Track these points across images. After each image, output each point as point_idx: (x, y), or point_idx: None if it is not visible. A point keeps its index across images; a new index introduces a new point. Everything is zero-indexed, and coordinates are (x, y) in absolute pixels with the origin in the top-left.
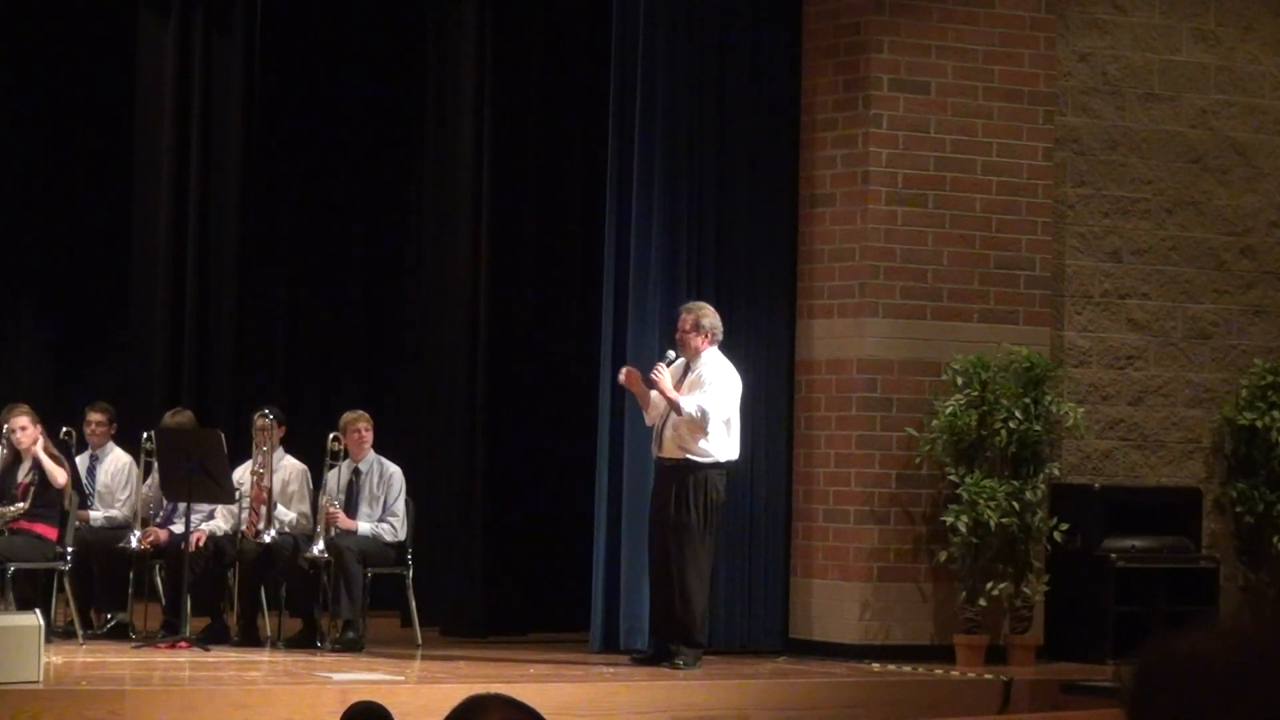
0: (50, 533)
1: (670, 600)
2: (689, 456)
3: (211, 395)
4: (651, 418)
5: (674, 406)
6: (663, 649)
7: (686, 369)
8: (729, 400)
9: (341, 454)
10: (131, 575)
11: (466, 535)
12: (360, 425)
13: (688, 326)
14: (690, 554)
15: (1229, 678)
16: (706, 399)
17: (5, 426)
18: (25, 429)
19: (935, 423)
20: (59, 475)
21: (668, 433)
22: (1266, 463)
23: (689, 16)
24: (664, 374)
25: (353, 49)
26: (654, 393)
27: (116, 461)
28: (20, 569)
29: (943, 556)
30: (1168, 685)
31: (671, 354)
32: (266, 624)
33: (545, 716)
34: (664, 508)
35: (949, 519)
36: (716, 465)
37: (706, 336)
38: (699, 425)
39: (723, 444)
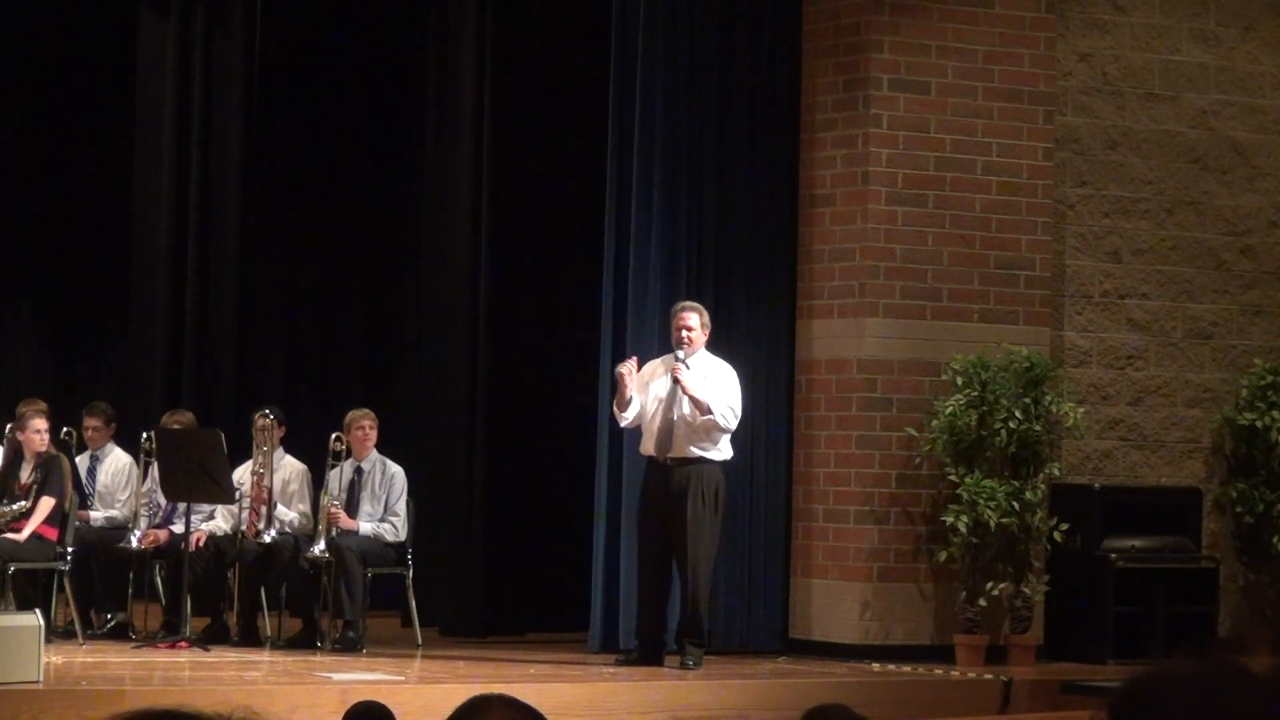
0: (50, 533)
1: (683, 600)
2: (703, 455)
3: (211, 395)
4: (632, 418)
5: (700, 407)
6: (652, 650)
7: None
8: (740, 396)
9: (344, 453)
10: (131, 575)
11: (466, 535)
12: (365, 423)
13: (695, 324)
14: (706, 553)
15: (1198, 701)
16: (732, 399)
17: (27, 426)
18: (40, 432)
19: (935, 423)
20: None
21: (679, 431)
22: (1266, 463)
23: (689, 16)
24: (688, 375)
25: (353, 49)
26: (632, 393)
27: (116, 462)
28: (20, 569)
29: (943, 556)
30: (1146, 706)
31: (681, 353)
32: (266, 624)
33: (545, 716)
34: (677, 508)
35: (949, 519)
36: (725, 462)
37: (707, 333)
38: (725, 426)
39: (728, 442)
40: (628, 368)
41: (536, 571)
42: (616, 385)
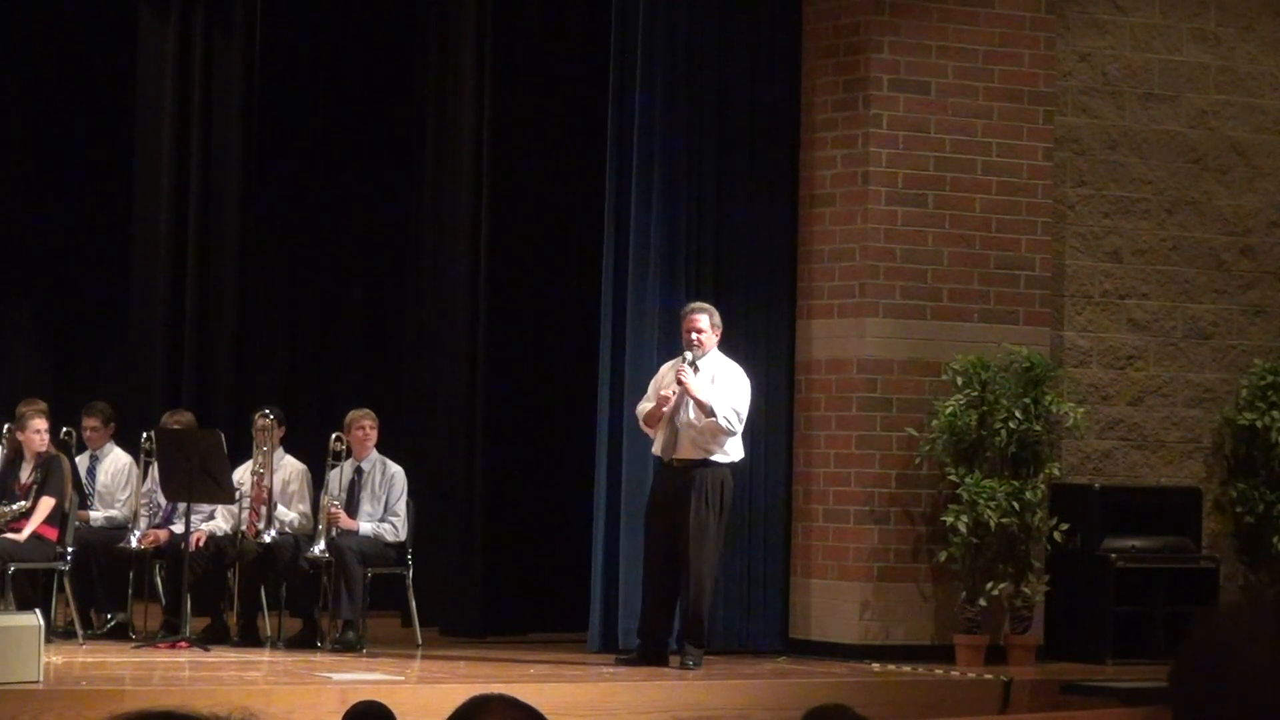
0: (50, 533)
1: (685, 601)
2: (708, 457)
3: (212, 395)
4: (657, 429)
5: (704, 409)
6: (653, 651)
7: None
8: (749, 400)
9: (344, 453)
10: (131, 575)
11: (466, 535)
12: (365, 423)
13: (705, 325)
14: (709, 554)
15: (1262, 677)
16: (737, 403)
17: (26, 426)
18: (40, 432)
19: (935, 423)
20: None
21: (684, 434)
22: (1266, 463)
23: (689, 16)
24: (692, 378)
25: (353, 48)
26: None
27: (116, 462)
28: (20, 569)
29: (943, 556)
30: (1205, 685)
31: (690, 355)
32: (266, 624)
33: (545, 716)
34: (680, 508)
35: (949, 519)
36: (732, 465)
37: (717, 334)
38: (729, 429)
39: (738, 443)
40: (674, 391)
41: (536, 571)
42: (650, 394)
